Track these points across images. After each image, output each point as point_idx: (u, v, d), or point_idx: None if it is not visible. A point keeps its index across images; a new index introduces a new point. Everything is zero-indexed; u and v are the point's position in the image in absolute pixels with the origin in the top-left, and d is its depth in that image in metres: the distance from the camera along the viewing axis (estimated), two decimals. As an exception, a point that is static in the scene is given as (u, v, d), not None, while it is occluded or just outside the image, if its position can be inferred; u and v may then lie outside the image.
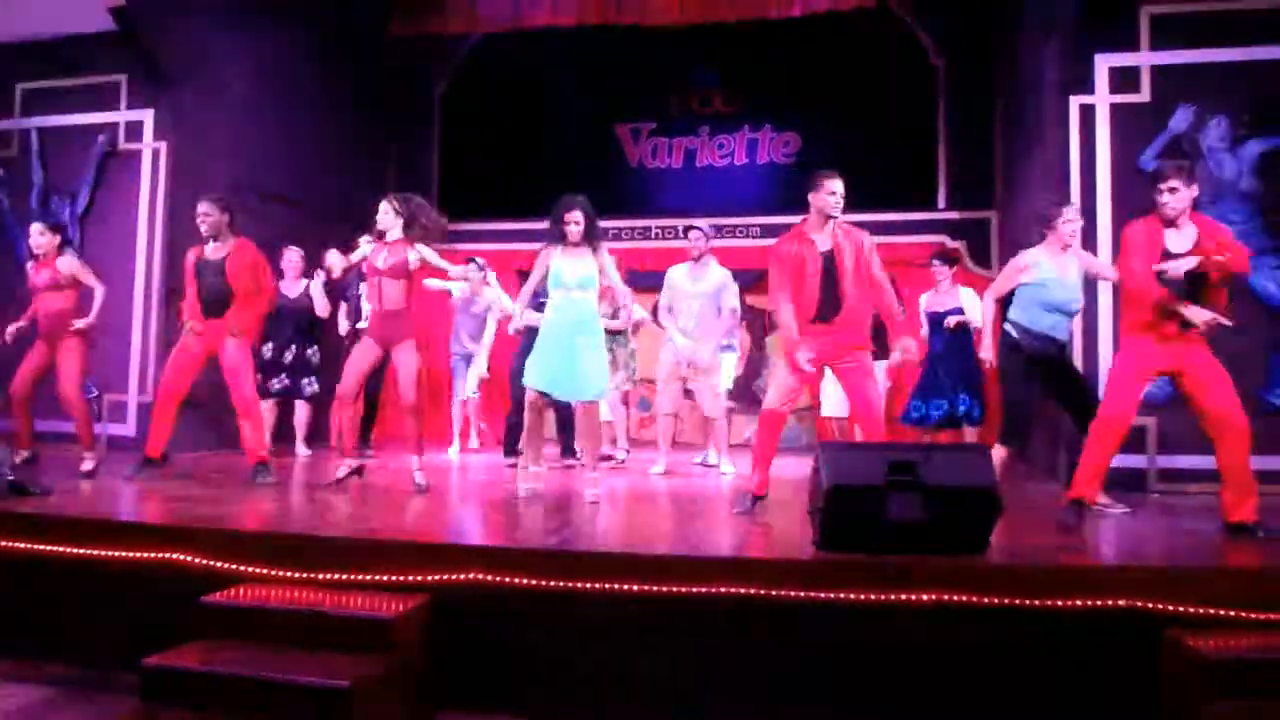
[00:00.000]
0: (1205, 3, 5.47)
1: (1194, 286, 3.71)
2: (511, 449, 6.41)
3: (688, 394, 6.03)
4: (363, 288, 5.99)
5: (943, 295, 6.05)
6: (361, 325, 6.36)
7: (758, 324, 8.64)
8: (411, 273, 4.60)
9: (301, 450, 6.57)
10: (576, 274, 4.42)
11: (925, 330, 6.11)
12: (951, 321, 5.91)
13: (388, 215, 4.63)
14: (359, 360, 4.62)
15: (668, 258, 8.17)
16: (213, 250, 4.90)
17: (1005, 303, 4.56)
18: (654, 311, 6.19)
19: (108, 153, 6.85)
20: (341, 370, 4.67)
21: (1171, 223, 3.78)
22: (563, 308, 4.43)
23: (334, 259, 4.75)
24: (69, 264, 5.24)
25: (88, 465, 5.05)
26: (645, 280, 7.16)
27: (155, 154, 6.76)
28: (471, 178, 9.26)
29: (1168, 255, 3.73)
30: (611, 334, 6.23)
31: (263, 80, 7.19)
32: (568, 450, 6.30)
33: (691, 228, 5.85)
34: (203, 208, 4.88)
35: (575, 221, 4.44)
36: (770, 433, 4.11)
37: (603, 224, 8.87)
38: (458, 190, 9.21)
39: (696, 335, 5.66)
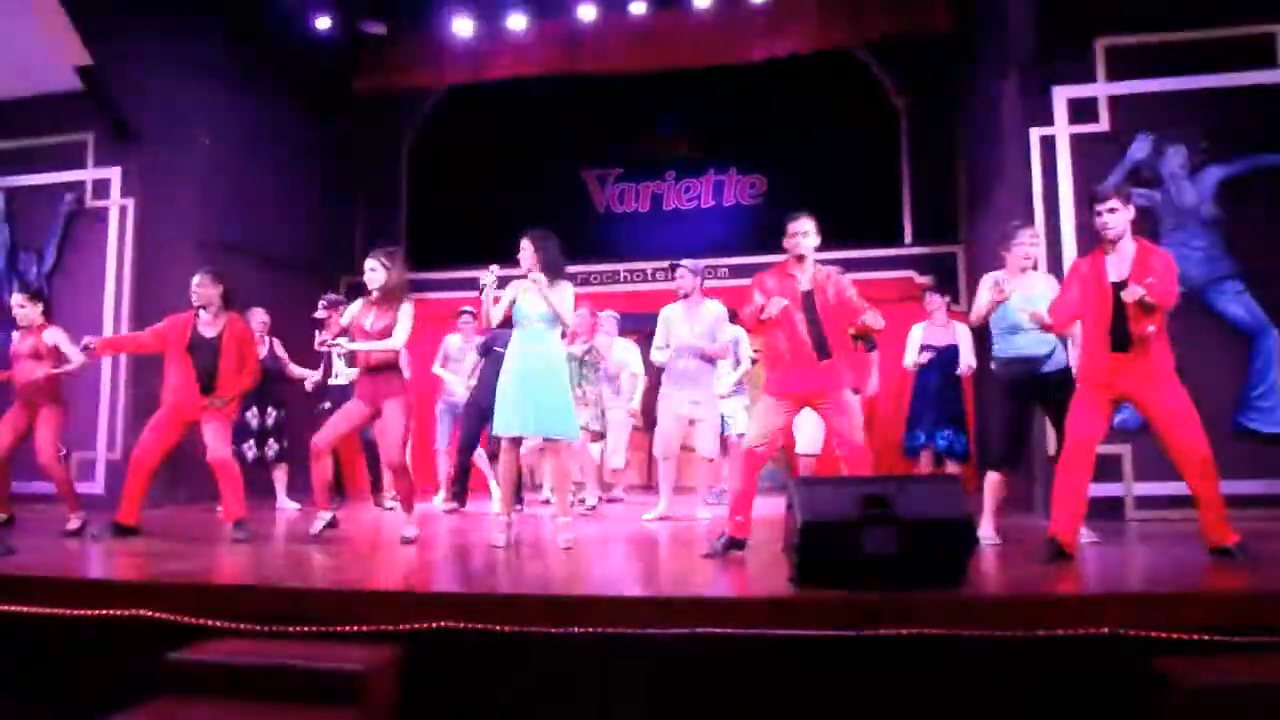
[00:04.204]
0: (1158, 34, 5.61)
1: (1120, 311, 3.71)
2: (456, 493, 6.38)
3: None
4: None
5: (938, 329, 6.03)
6: (335, 381, 6.35)
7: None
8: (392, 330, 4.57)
9: (288, 505, 6.43)
10: (537, 308, 4.37)
11: (914, 360, 6.07)
12: (924, 358, 5.90)
13: (376, 273, 4.59)
14: (344, 419, 4.60)
15: (636, 302, 8.21)
16: (205, 325, 4.84)
17: (987, 334, 4.57)
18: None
19: (74, 210, 6.82)
20: (307, 427, 4.60)
21: (1112, 247, 3.79)
22: (524, 343, 4.38)
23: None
24: (55, 335, 5.18)
25: (74, 524, 4.99)
26: (629, 323, 7.25)
27: (122, 211, 6.75)
28: (440, 227, 9.29)
29: (1110, 285, 3.74)
30: (581, 370, 6.20)
31: (230, 136, 7.22)
32: (458, 496, 6.31)
33: (676, 266, 5.73)
34: (197, 280, 4.83)
35: (523, 248, 4.39)
36: (749, 473, 4.05)
37: (571, 269, 8.97)
38: (427, 239, 9.24)
39: (695, 374, 5.60)
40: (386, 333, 4.55)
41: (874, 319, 3.99)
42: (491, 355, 6.12)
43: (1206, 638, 2.75)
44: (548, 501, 6.55)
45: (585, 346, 6.27)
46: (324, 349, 4.73)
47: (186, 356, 4.77)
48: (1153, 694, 2.69)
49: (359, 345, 4.56)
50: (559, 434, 4.36)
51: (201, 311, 4.84)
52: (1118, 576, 3.67)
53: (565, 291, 4.39)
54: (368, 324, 4.58)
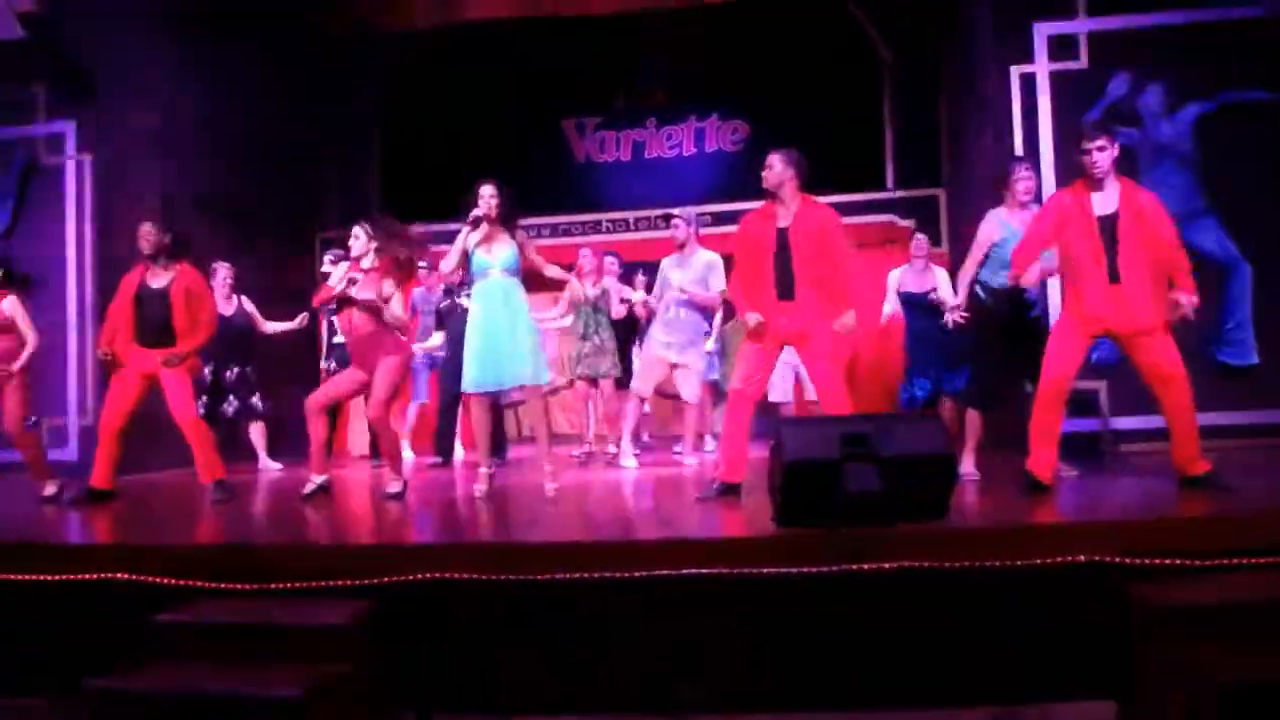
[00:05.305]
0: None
1: (1111, 244, 3.72)
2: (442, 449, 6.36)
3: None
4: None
5: (918, 275, 5.94)
6: (338, 339, 6.21)
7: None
8: (386, 302, 4.50)
9: (270, 465, 6.39)
10: (498, 257, 4.33)
11: (893, 308, 6.03)
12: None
13: (359, 241, 4.53)
14: (339, 384, 4.56)
15: (619, 251, 8.12)
16: (154, 276, 4.69)
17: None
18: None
19: (29, 168, 6.59)
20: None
21: (1098, 184, 3.79)
22: (488, 293, 4.32)
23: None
24: (12, 306, 5.02)
25: (50, 490, 4.90)
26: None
27: (80, 166, 6.52)
28: (415, 179, 9.10)
29: (1095, 219, 3.74)
30: (595, 316, 6.09)
31: (191, 85, 6.96)
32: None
33: (670, 216, 5.71)
34: (144, 227, 4.69)
35: (491, 195, 4.33)
36: (736, 415, 4.02)
37: (552, 220, 8.87)
38: (402, 192, 9.06)
39: (683, 321, 5.57)
40: (372, 304, 4.45)
41: (843, 324, 3.94)
42: (452, 317, 6.08)
43: (1178, 562, 2.81)
44: (590, 454, 6.37)
45: (597, 290, 6.13)
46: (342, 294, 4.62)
47: (132, 309, 4.65)
48: (1127, 617, 2.76)
49: (362, 295, 4.45)
50: (529, 380, 4.33)
51: (152, 264, 4.70)
52: (1093, 507, 3.73)
53: (530, 242, 4.41)
54: (355, 293, 4.46)
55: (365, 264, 4.55)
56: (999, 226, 4.33)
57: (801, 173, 3.99)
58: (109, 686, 2.67)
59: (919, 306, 5.83)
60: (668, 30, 8.30)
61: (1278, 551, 2.80)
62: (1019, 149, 5.62)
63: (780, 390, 5.94)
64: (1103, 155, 3.74)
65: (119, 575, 3.18)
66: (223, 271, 6.28)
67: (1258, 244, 5.43)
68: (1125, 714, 2.76)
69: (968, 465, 4.31)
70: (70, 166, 6.54)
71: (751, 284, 3.99)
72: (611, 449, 6.21)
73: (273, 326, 6.42)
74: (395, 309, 4.50)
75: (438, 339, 6.35)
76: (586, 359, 6.09)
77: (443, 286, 6.24)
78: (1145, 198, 3.80)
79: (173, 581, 3.13)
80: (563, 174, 9.04)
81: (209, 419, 6.12)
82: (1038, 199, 4.41)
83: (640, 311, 6.15)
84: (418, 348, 6.43)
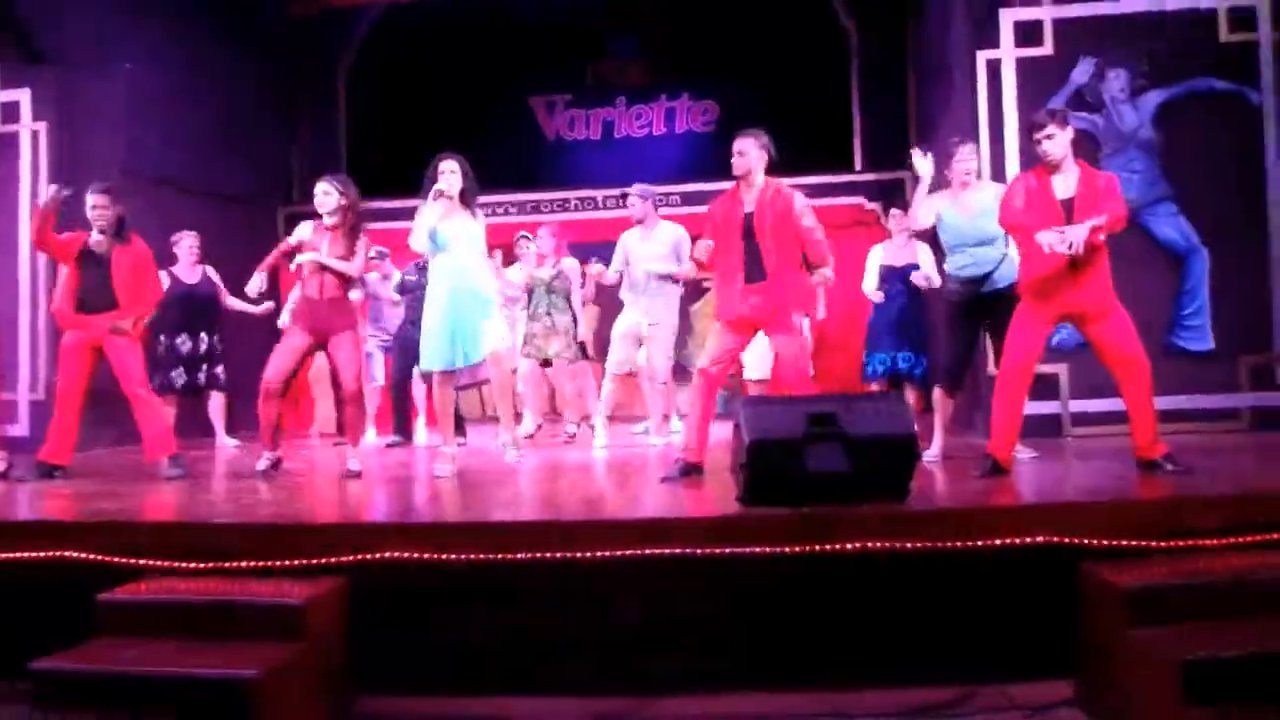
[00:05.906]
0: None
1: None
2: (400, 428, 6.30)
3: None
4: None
5: (900, 250, 6.00)
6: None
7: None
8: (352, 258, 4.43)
9: (228, 442, 6.29)
10: (463, 235, 4.24)
11: (875, 283, 6.06)
12: (920, 279, 5.88)
13: (330, 196, 4.41)
14: (288, 352, 4.42)
15: (588, 230, 8.09)
16: (97, 242, 4.54)
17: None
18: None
19: None
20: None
21: (1056, 169, 3.79)
22: (451, 271, 4.24)
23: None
24: None
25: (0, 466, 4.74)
26: (580, 252, 7.03)
27: (35, 136, 6.30)
28: (381, 156, 8.93)
29: (1058, 202, 3.74)
30: (549, 297, 6.04)
31: (153, 54, 6.77)
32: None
33: (627, 194, 5.70)
34: (100, 200, 4.51)
35: (451, 170, 4.24)
36: (703, 395, 4.03)
37: (521, 197, 8.78)
38: (367, 169, 8.84)
39: (651, 296, 5.54)
40: (345, 259, 4.40)
41: (822, 275, 4.06)
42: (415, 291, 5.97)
43: (1137, 543, 2.84)
44: (573, 437, 6.21)
45: (553, 271, 6.05)
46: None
47: (76, 271, 4.51)
48: (1086, 597, 2.80)
49: (327, 260, 4.35)
50: (491, 348, 4.26)
51: (100, 235, 4.54)
52: (1052, 489, 3.78)
53: (482, 221, 4.36)
54: (324, 250, 4.40)
55: (333, 221, 4.43)
56: (930, 208, 4.32)
57: (770, 155, 4.01)
58: (56, 667, 2.61)
59: (899, 281, 5.90)
60: (640, 8, 8.22)
61: (1234, 533, 2.86)
62: (984, 135, 5.63)
63: (760, 369, 5.95)
64: (1052, 143, 3.74)
65: (67, 553, 3.10)
66: (188, 239, 6.16)
67: (1214, 231, 5.51)
68: (1083, 693, 2.80)
69: (936, 449, 4.35)
70: (24, 135, 6.32)
71: (724, 269, 4.01)
72: (570, 429, 6.16)
73: (235, 303, 6.29)
74: (359, 263, 4.48)
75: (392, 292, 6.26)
76: (534, 340, 6.03)
77: (416, 263, 6.13)
78: (1102, 178, 3.81)
79: (123, 560, 3.06)
80: (532, 152, 8.97)
81: (186, 392, 6.03)
82: (1001, 178, 4.45)
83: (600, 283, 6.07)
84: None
